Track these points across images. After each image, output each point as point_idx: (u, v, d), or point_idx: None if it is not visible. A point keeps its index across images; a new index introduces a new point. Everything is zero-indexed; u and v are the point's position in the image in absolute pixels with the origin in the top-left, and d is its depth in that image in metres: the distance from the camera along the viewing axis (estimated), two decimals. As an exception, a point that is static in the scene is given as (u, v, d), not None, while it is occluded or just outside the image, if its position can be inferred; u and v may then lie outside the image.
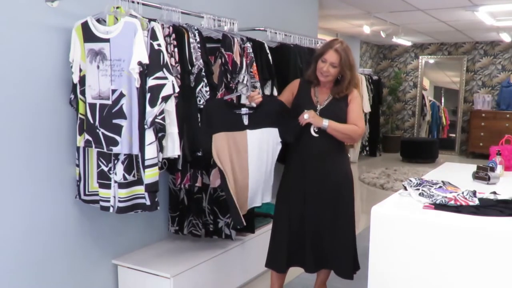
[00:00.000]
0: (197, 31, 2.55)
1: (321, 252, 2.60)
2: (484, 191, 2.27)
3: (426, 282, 1.91)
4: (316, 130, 2.53)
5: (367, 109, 7.55)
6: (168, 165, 2.57)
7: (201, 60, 2.51)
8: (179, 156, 2.42)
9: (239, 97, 2.72)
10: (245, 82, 2.77)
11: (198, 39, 2.53)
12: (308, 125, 2.52)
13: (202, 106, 2.51)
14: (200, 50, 2.52)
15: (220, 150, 2.43)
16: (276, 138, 2.60)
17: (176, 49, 2.44)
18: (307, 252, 2.61)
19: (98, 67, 2.28)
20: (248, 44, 2.88)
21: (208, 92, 2.54)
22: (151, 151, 2.23)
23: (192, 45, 2.49)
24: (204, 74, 2.52)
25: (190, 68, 2.46)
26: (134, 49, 2.17)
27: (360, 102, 2.64)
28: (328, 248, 2.59)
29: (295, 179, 2.62)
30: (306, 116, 2.47)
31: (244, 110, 2.49)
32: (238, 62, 2.74)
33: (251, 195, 2.61)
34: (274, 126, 2.59)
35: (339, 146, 2.60)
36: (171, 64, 2.33)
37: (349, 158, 2.76)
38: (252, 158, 2.54)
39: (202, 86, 2.51)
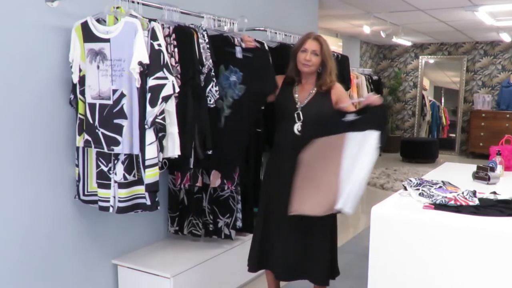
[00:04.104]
0: (205, 32, 2.57)
1: (294, 258, 2.49)
2: (484, 191, 2.27)
3: (426, 282, 1.91)
4: (300, 129, 2.48)
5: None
6: (174, 165, 2.57)
7: (210, 60, 2.54)
8: (188, 154, 2.45)
9: None
10: None
11: (207, 40, 2.56)
12: (292, 123, 2.48)
13: (212, 106, 2.53)
14: (209, 51, 2.55)
15: (314, 151, 2.41)
16: (371, 145, 2.32)
17: (176, 49, 2.45)
18: (277, 256, 2.51)
19: (98, 67, 2.28)
20: (248, 44, 2.88)
21: (218, 92, 2.56)
22: (151, 151, 2.23)
23: (201, 45, 2.52)
24: (213, 74, 2.55)
25: (200, 67, 2.49)
26: (135, 49, 2.17)
27: (348, 96, 2.63)
28: (302, 254, 2.49)
29: (273, 178, 2.58)
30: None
31: (348, 116, 2.42)
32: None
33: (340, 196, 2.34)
34: (376, 129, 2.34)
35: None
36: (171, 64, 2.33)
37: None
38: (347, 158, 2.35)
39: (212, 86, 2.54)
